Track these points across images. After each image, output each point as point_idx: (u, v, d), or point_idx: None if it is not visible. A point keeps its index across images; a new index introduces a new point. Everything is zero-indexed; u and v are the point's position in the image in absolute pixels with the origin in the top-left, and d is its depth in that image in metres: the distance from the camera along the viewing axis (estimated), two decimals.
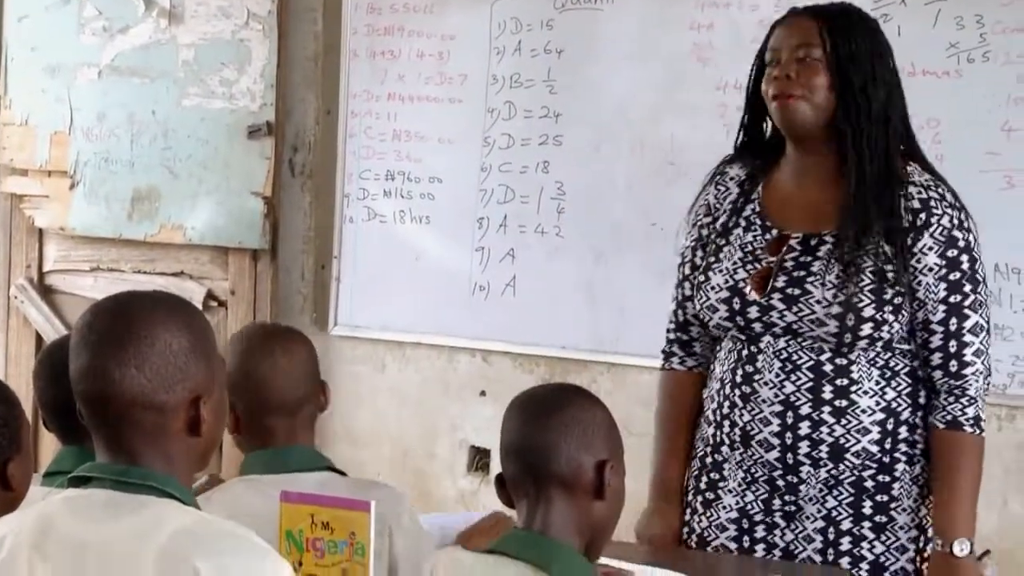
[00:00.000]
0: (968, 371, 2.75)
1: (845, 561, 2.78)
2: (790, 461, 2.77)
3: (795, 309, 2.77)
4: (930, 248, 2.74)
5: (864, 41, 2.79)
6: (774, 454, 2.78)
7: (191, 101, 4.92)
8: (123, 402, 1.90)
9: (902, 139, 2.82)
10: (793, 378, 2.77)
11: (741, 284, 2.83)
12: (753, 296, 2.81)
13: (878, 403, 2.77)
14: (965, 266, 2.75)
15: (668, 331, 3.02)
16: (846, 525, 2.78)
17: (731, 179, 2.94)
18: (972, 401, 2.75)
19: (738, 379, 2.83)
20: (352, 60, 4.78)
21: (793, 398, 2.77)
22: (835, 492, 2.77)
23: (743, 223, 2.89)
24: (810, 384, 2.76)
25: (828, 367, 2.76)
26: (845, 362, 2.76)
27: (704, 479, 2.90)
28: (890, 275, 2.74)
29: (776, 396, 2.78)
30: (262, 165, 4.83)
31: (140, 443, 1.92)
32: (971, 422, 2.75)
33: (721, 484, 2.86)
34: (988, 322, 2.79)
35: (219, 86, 4.87)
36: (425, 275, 4.70)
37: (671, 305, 3.01)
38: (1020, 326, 3.93)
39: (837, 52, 2.76)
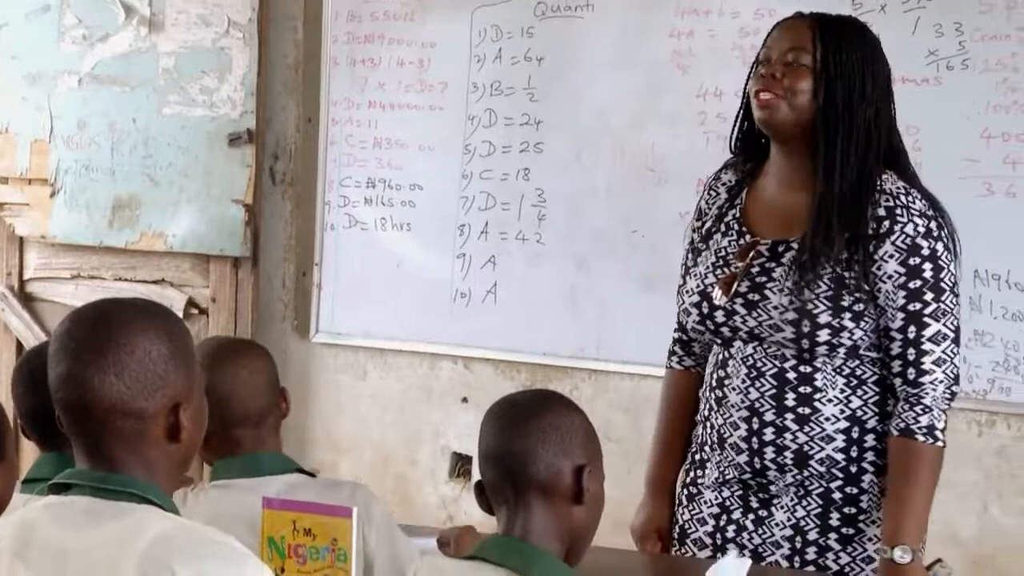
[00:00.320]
0: (926, 379, 2.72)
1: (810, 570, 2.78)
2: (758, 465, 2.79)
3: (755, 314, 2.78)
4: (891, 256, 2.73)
5: (857, 54, 2.78)
6: (743, 457, 2.80)
7: (172, 109, 4.91)
8: (102, 409, 1.89)
9: (885, 157, 2.79)
10: (758, 384, 2.79)
11: (709, 289, 2.85)
12: (718, 300, 2.83)
13: (842, 411, 2.77)
14: (928, 274, 2.73)
15: (673, 331, 3.04)
16: (812, 536, 2.79)
17: (723, 184, 2.96)
18: (927, 410, 2.72)
19: (714, 383, 2.86)
20: (333, 68, 4.78)
21: (758, 404, 2.78)
22: (804, 503, 2.78)
23: (723, 228, 2.90)
24: (773, 391, 2.77)
25: (792, 374, 2.77)
26: (809, 369, 2.76)
27: (691, 474, 2.94)
28: (850, 282, 2.74)
29: (743, 401, 2.80)
30: (243, 173, 4.83)
31: (120, 450, 1.91)
32: (924, 431, 2.72)
33: (701, 480, 2.90)
34: (955, 331, 2.75)
35: (200, 94, 4.87)
36: (406, 282, 4.70)
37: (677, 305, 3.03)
38: (1000, 332, 3.93)
39: (826, 60, 2.76)
